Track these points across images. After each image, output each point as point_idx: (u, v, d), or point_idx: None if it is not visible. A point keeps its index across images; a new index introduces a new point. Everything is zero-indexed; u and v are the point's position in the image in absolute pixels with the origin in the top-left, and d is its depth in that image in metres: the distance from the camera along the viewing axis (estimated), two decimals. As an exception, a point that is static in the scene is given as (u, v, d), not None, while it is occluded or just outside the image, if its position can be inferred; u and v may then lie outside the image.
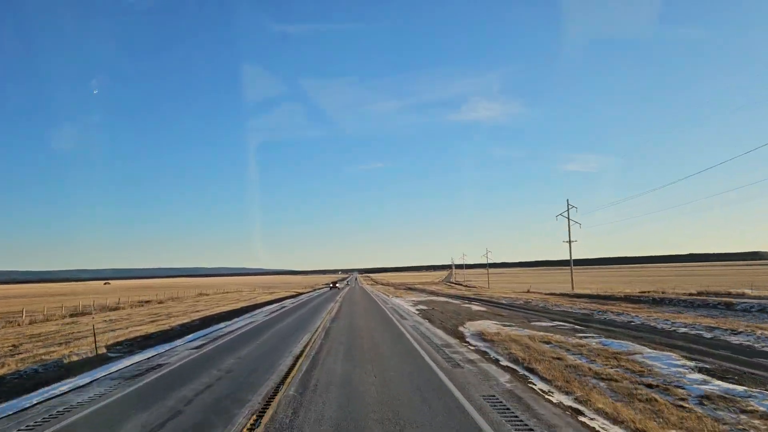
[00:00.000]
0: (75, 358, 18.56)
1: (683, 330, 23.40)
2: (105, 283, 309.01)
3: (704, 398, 11.06)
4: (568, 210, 72.23)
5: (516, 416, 9.92)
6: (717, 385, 12.20)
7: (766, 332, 20.77)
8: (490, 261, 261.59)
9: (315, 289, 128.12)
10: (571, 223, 71.41)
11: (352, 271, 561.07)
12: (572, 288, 69.81)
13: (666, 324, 26.10)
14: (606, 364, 15.38)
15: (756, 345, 18.69)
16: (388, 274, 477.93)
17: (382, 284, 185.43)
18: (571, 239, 71.54)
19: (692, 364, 14.95)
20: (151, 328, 29.56)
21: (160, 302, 67.24)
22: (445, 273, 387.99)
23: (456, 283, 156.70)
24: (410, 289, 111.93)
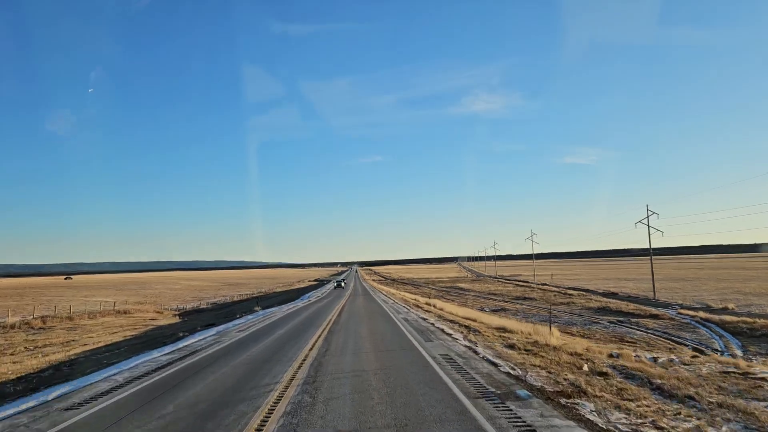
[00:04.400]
0: None
1: None
2: (66, 278, 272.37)
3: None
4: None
5: None
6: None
7: None
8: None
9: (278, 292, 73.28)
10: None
11: (352, 264, 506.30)
12: None
13: None
14: None
15: None
16: (390, 267, 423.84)
17: (397, 282, 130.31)
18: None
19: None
20: None
21: None
22: (451, 266, 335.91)
23: (531, 284, 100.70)
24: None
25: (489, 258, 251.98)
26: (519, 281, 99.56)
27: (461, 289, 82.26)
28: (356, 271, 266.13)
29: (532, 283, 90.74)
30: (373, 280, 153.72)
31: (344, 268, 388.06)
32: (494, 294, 67.37)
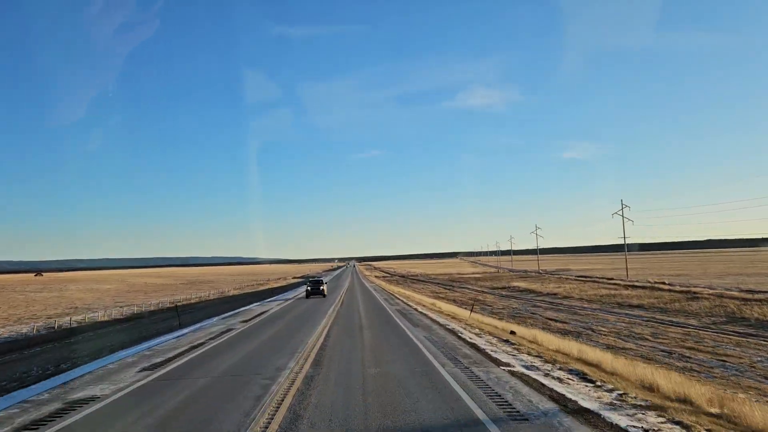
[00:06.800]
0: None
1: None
2: (36, 275, 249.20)
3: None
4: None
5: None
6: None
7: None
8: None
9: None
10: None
11: (349, 259, 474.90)
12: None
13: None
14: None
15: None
16: (390, 262, 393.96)
17: (409, 280, 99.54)
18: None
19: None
20: None
21: None
22: (454, 261, 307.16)
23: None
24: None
25: (503, 253, 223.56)
26: (601, 278, 68.05)
27: (535, 293, 51.21)
28: (354, 267, 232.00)
29: (630, 281, 59.52)
30: (376, 276, 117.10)
31: (341, 264, 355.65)
32: (630, 304, 36.33)
